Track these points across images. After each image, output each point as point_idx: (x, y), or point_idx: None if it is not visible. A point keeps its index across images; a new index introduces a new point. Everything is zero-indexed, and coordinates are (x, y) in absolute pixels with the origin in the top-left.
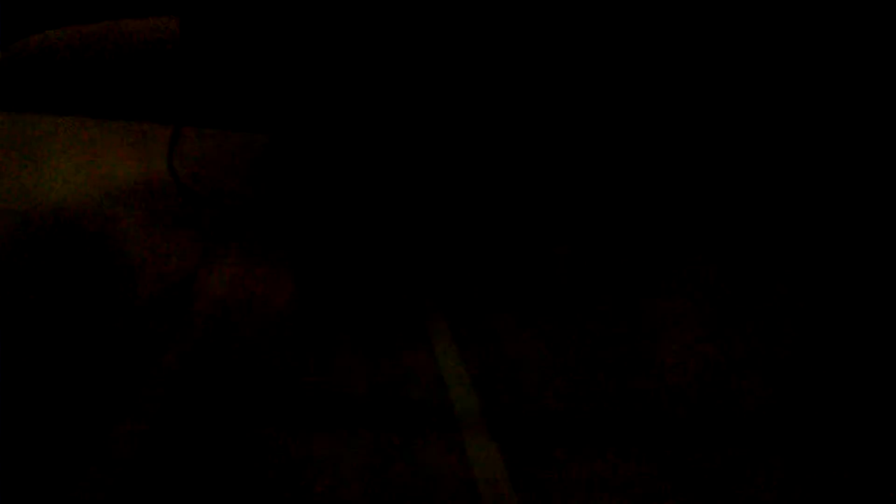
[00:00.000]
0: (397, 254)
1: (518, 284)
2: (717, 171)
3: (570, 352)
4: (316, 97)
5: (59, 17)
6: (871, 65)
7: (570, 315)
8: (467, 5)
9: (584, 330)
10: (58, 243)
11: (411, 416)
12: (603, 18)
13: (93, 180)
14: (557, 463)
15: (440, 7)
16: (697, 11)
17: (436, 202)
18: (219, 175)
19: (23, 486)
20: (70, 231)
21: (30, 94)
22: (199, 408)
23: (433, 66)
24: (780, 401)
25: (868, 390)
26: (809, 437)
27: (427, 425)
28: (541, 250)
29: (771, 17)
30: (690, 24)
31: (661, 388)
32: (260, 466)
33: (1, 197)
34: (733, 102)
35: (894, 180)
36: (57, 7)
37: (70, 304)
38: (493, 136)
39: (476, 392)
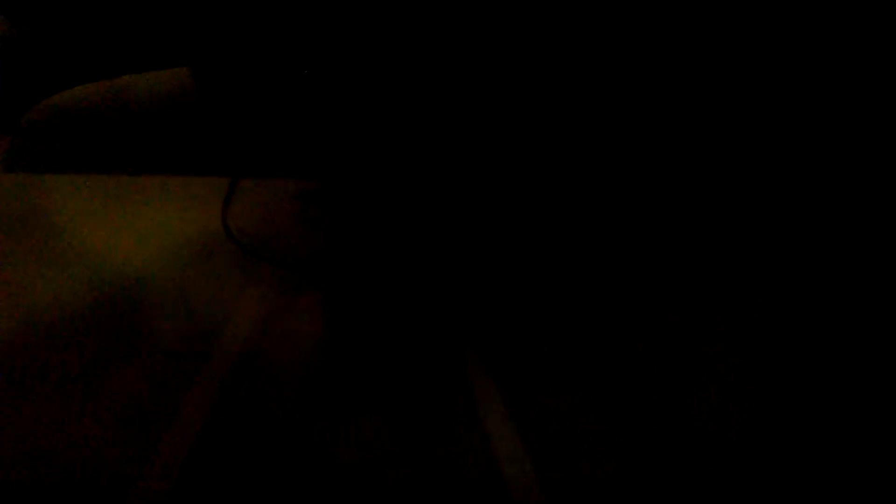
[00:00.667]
0: (434, 300)
1: (564, 342)
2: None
3: (620, 414)
4: (327, 138)
5: (69, 76)
6: (871, 69)
7: (619, 373)
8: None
9: (632, 389)
10: (102, 301)
11: (461, 495)
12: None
13: (149, 242)
14: None
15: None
16: (697, 17)
17: (473, 250)
18: (272, 224)
19: None
20: (116, 291)
21: (65, 153)
22: (214, 476)
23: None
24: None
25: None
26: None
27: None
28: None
29: (770, 20)
30: (690, 29)
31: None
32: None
33: (51, 260)
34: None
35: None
36: (67, 68)
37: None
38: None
39: (532, 466)
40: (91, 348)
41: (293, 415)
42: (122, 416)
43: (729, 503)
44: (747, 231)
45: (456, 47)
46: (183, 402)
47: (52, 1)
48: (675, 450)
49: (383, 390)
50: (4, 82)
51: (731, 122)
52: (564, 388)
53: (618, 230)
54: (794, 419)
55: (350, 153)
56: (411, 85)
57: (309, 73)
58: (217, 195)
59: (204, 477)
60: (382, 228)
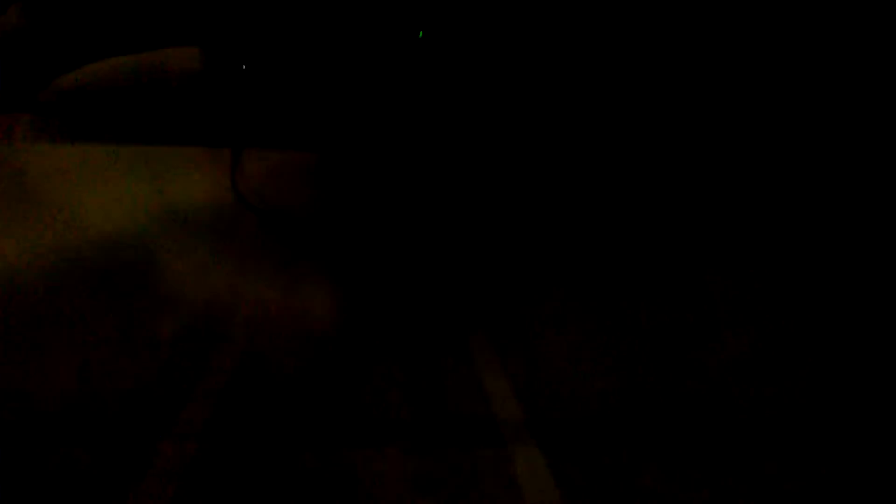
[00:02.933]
0: (436, 268)
1: (558, 281)
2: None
3: (612, 350)
4: (326, 112)
5: (80, 56)
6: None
7: (610, 309)
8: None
9: (624, 325)
10: (114, 266)
11: (455, 431)
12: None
13: (153, 204)
14: (605, 471)
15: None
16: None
17: (470, 212)
18: (279, 192)
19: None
20: (128, 253)
21: (82, 124)
22: (242, 427)
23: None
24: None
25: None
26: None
27: (472, 440)
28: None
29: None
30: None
31: (703, 389)
32: (302, 486)
33: (64, 223)
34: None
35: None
36: (76, 48)
37: (123, 322)
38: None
39: (519, 403)
40: (94, 314)
41: (309, 367)
42: (135, 392)
43: (717, 441)
44: (747, 218)
45: (456, 38)
46: (206, 369)
47: None
48: (663, 398)
49: (389, 344)
50: (22, 66)
51: (731, 122)
52: (558, 341)
53: (621, 209)
54: (793, 374)
55: (352, 125)
56: (412, 64)
57: (305, 57)
58: (222, 165)
59: (231, 433)
60: (385, 197)
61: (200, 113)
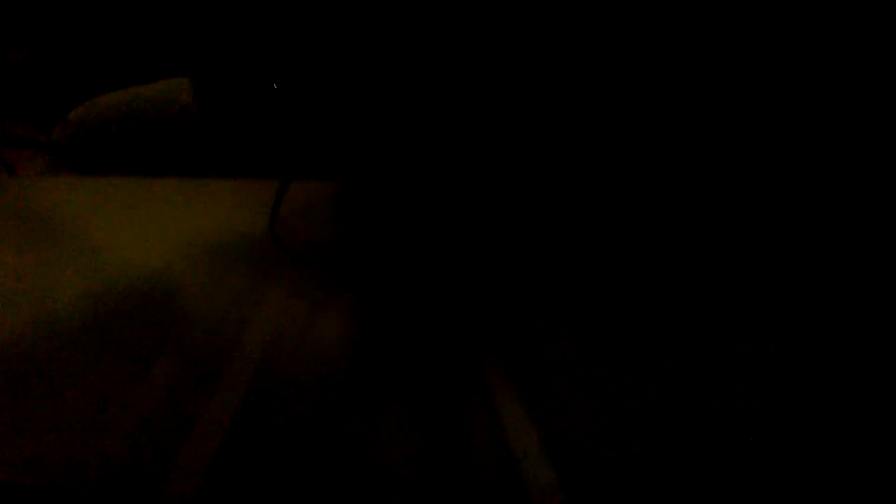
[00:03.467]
0: (456, 303)
1: (579, 328)
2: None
3: (638, 400)
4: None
5: (81, 91)
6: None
7: (634, 360)
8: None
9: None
10: (125, 304)
11: (480, 495)
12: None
13: (170, 242)
14: None
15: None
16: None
17: (489, 247)
18: (313, 224)
19: None
20: (139, 292)
21: (95, 157)
22: (239, 476)
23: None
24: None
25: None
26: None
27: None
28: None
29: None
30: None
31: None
32: None
33: (95, 259)
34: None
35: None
36: (78, 83)
37: (125, 356)
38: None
39: (551, 464)
40: (110, 350)
41: (315, 414)
42: (142, 421)
43: (737, 491)
44: (753, 230)
45: (458, 48)
46: (206, 407)
47: (63, 23)
48: (686, 439)
49: (406, 389)
50: (32, 99)
51: (731, 122)
52: (580, 385)
53: (629, 232)
54: (804, 416)
55: (367, 153)
56: (417, 86)
57: (298, 81)
58: (242, 196)
59: (229, 481)
60: (409, 228)
61: (203, 146)
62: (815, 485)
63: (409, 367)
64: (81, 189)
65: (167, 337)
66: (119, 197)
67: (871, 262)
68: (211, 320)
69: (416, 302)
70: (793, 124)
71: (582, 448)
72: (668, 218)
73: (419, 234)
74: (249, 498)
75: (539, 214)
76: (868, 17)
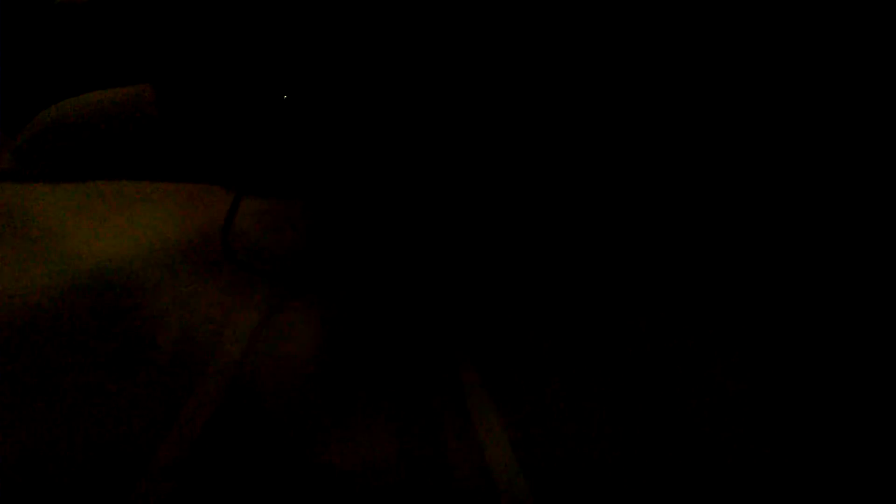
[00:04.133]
0: (428, 308)
1: (557, 340)
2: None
3: (617, 411)
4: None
5: (46, 97)
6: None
7: (609, 368)
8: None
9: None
10: (96, 304)
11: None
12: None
13: (137, 242)
14: None
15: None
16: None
17: (463, 254)
18: (266, 235)
19: None
20: (108, 291)
21: (61, 161)
22: (216, 477)
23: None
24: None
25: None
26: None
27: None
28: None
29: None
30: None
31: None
32: None
33: (47, 260)
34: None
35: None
36: (44, 89)
37: (98, 358)
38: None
39: (524, 476)
40: (83, 352)
41: (289, 422)
42: (116, 424)
43: (719, 495)
44: (743, 230)
45: (446, 54)
46: (181, 412)
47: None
48: (664, 446)
49: (380, 394)
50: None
51: (731, 122)
52: (555, 390)
53: (611, 232)
54: (786, 415)
55: (331, 169)
56: (395, 95)
57: (287, 96)
58: (206, 201)
59: (202, 486)
60: (373, 237)
61: (167, 149)
62: (804, 487)
63: (383, 372)
64: (42, 192)
65: (136, 342)
66: (80, 199)
67: (870, 262)
68: (180, 327)
69: (386, 310)
70: (793, 124)
71: (555, 456)
72: (652, 223)
73: (386, 240)
74: (224, 498)
75: (520, 220)
76: (868, 17)
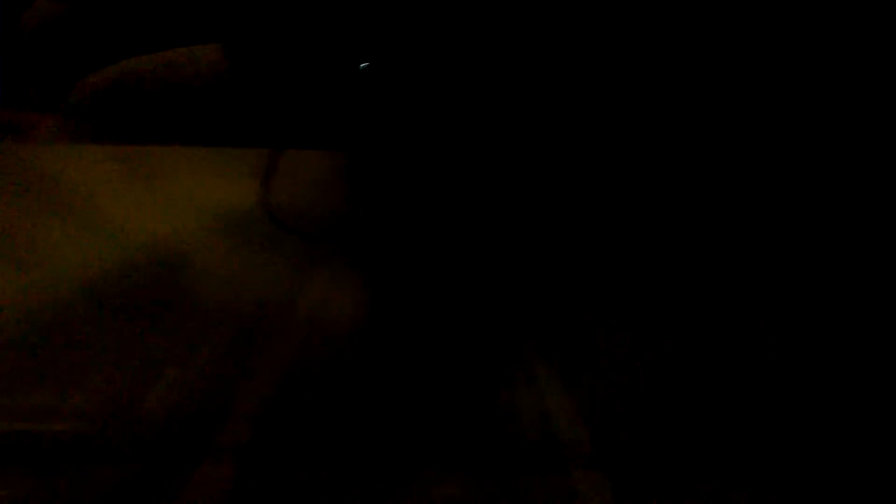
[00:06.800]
0: (488, 275)
1: (621, 297)
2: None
3: (679, 368)
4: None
5: (106, 54)
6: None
7: (677, 328)
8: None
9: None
10: (148, 272)
11: (513, 454)
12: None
13: (186, 209)
14: (675, 498)
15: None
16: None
17: (524, 219)
18: (312, 197)
19: None
20: (160, 260)
21: (112, 124)
22: (283, 450)
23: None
24: None
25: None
26: None
27: (532, 463)
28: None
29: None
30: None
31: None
32: None
33: (95, 227)
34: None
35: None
36: (105, 46)
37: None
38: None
39: (583, 425)
40: (129, 317)
41: (355, 384)
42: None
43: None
44: (759, 227)
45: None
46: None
47: None
48: (716, 414)
49: (440, 358)
50: (50, 64)
51: (731, 122)
52: (616, 363)
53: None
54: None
55: (389, 125)
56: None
57: (364, 69)
58: (251, 167)
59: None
60: (423, 201)
61: (229, 113)
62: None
63: (443, 337)
64: (89, 156)
65: (194, 316)
66: (131, 166)
67: (870, 262)
68: (225, 295)
69: (441, 285)
70: (793, 125)
71: (614, 411)
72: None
73: (446, 213)
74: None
75: (579, 201)
76: (868, 17)
